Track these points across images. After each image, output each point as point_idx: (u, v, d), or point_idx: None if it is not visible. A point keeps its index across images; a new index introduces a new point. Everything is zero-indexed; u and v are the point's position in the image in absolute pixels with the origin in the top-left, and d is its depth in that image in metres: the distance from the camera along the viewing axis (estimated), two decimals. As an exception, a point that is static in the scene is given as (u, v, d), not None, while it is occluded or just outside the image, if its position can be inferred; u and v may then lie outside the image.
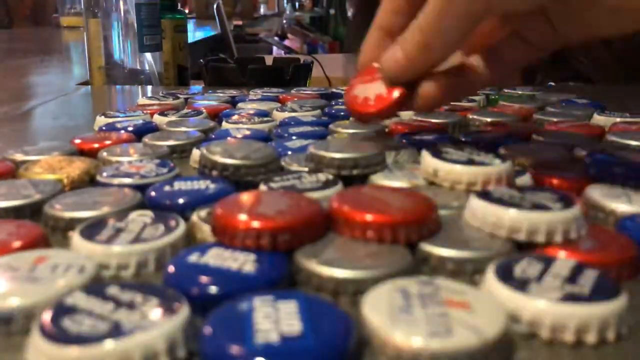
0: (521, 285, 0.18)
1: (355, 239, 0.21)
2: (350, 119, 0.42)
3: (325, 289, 0.19)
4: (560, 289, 0.17)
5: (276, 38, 2.22)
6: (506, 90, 0.58)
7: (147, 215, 0.23)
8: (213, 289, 0.18)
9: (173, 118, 0.43)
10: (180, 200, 0.25)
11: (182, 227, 0.22)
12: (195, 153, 0.33)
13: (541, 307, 0.17)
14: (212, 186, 0.26)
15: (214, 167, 0.29)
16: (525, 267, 0.19)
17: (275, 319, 0.16)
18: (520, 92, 0.56)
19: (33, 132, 0.50)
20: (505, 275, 0.18)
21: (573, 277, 0.18)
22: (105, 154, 0.33)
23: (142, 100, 0.52)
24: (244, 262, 0.20)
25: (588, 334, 0.17)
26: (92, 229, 0.22)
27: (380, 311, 0.16)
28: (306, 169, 0.29)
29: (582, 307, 0.17)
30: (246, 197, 0.23)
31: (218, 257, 0.20)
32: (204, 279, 0.19)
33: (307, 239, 0.21)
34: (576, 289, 0.17)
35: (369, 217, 0.21)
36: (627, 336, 0.17)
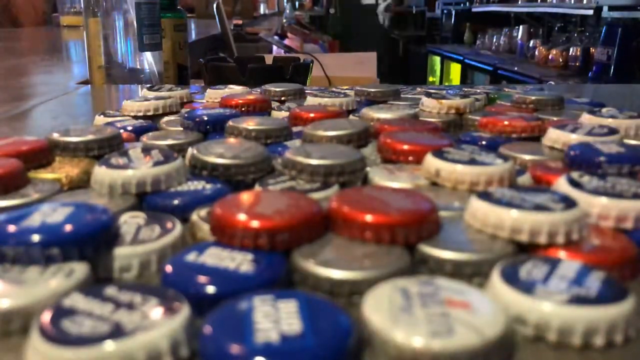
0: (527, 287, 0.18)
1: (354, 239, 0.21)
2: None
3: (321, 289, 0.19)
4: (566, 291, 0.17)
5: (276, 37, 2.22)
6: (506, 90, 0.58)
7: (139, 216, 0.23)
8: (209, 289, 0.18)
9: (172, 117, 0.43)
10: (176, 202, 0.25)
11: (179, 226, 0.22)
12: (189, 153, 0.33)
13: (548, 309, 0.17)
14: (208, 187, 0.26)
15: (203, 167, 0.29)
16: (531, 269, 0.19)
17: (276, 318, 0.16)
18: (520, 91, 0.56)
19: (33, 131, 0.50)
20: (511, 277, 0.18)
21: (579, 279, 0.18)
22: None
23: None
24: (241, 262, 0.19)
25: (596, 337, 0.17)
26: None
27: (380, 311, 0.16)
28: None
29: (589, 310, 0.17)
30: (245, 196, 0.23)
31: (215, 257, 0.20)
32: (201, 278, 0.19)
33: (305, 239, 0.21)
34: (583, 292, 0.17)
35: (366, 218, 0.21)
36: (636, 339, 0.17)
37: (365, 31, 4.04)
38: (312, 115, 0.40)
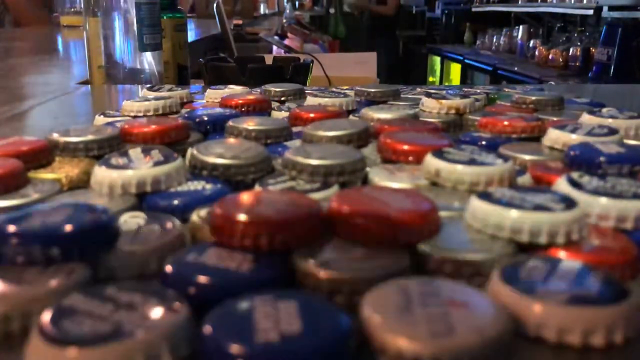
0: (527, 287, 0.18)
1: (354, 239, 0.21)
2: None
3: (321, 289, 0.19)
4: (566, 291, 0.17)
5: (276, 37, 2.22)
6: (506, 90, 0.58)
7: (139, 216, 0.23)
8: (209, 289, 0.18)
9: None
10: (176, 202, 0.25)
11: (179, 226, 0.22)
12: (189, 153, 0.33)
13: (548, 309, 0.17)
14: (208, 187, 0.26)
15: (203, 167, 0.29)
16: (531, 269, 0.19)
17: (276, 318, 0.16)
18: (520, 92, 0.56)
19: (33, 131, 0.50)
20: (511, 277, 0.18)
21: (579, 279, 0.18)
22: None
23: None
24: (241, 262, 0.19)
25: (595, 337, 0.17)
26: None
27: (381, 311, 0.16)
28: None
29: (589, 310, 0.17)
30: (245, 196, 0.23)
31: (215, 257, 0.20)
32: (201, 278, 0.19)
33: (305, 239, 0.21)
34: (583, 292, 0.17)
35: (366, 218, 0.21)
36: (636, 339, 0.17)
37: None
38: (312, 115, 0.40)
